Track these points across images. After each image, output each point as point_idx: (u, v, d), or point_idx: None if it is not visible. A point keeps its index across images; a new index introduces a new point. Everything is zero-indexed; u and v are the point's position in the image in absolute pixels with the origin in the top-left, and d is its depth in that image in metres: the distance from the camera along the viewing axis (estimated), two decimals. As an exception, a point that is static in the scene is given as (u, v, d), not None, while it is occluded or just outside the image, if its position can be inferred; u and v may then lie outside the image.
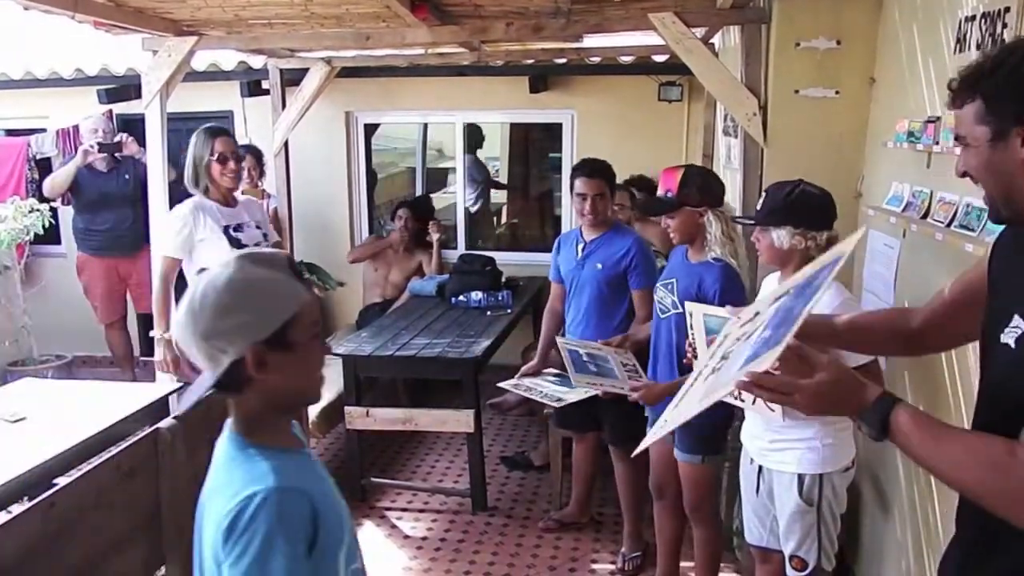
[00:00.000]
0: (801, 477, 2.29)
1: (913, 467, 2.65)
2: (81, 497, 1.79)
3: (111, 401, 2.92)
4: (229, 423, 1.28)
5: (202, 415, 2.41)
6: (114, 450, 1.97)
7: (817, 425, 2.26)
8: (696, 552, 3.05)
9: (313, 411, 3.94)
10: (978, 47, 2.21)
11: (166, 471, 2.12)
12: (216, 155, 3.35)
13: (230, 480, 1.20)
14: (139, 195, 4.72)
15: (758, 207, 2.36)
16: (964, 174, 1.34)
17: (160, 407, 3.01)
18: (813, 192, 2.32)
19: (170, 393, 3.16)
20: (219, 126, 3.43)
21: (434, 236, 5.47)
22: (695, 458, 2.83)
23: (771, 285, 2.48)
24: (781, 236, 2.27)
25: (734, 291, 2.69)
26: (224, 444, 1.27)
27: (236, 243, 3.35)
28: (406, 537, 3.75)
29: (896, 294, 2.85)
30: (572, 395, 3.31)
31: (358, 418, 3.92)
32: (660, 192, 2.78)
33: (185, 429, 2.21)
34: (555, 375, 3.53)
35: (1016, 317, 1.26)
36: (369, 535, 3.80)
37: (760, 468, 2.41)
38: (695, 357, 2.29)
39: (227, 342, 1.17)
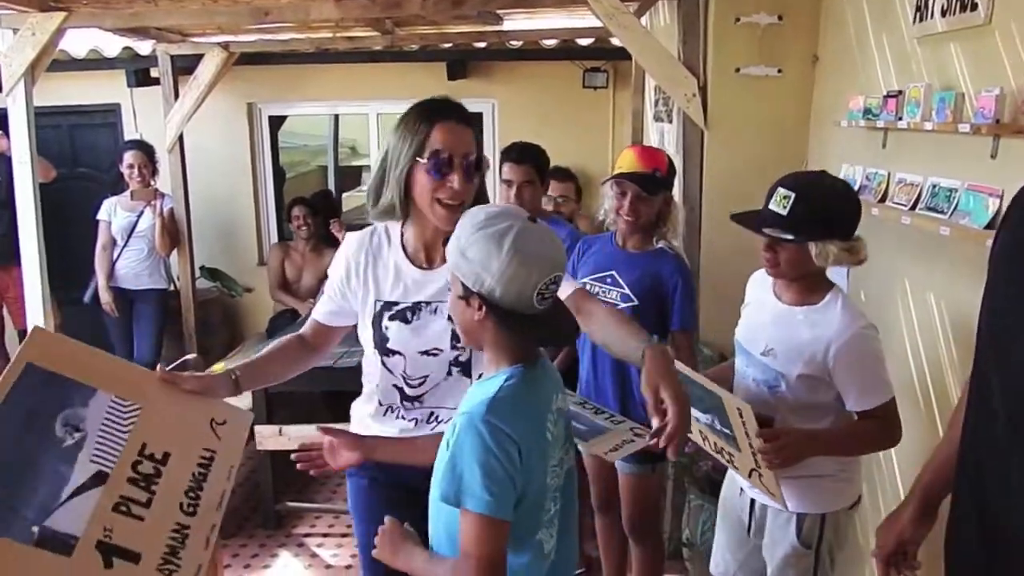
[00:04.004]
0: (800, 517, 1.94)
1: (878, 480, 2.51)
2: None
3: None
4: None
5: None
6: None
7: (823, 459, 1.91)
8: (638, 572, 2.79)
9: (218, 434, 3.53)
10: (943, 13, 2.04)
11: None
12: (429, 154, 1.65)
13: None
14: (12, 198, 4.20)
15: (782, 211, 1.79)
16: None
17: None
18: (845, 189, 1.87)
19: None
20: (447, 100, 1.73)
21: (339, 235, 5.13)
22: (645, 468, 2.59)
23: (761, 288, 2.07)
24: (827, 252, 1.77)
25: (691, 284, 2.51)
26: None
27: (381, 343, 1.81)
28: (328, 567, 3.45)
29: (850, 283, 2.70)
30: None
31: (270, 437, 3.57)
32: (645, 170, 2.43)
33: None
34: None
35: None
36: (288, 566, 3.48)
37: (752, 501, 2.06)
38: None
39: None
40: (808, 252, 1.78)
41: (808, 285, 1.88)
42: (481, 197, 1.78)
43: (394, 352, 1.80)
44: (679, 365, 2.00)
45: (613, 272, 2.53)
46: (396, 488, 1.84)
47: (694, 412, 2.04)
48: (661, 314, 2.49)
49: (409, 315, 1.78)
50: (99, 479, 1.47)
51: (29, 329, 3.45)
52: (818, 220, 1.77)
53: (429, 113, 1.68)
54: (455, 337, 1.75)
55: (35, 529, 1.36)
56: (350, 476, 1.96)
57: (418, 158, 1.66)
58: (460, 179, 1.65)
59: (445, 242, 1.65)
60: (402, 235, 1.81)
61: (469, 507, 1.31)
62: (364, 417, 1.93)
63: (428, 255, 1.80)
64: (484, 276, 1.34)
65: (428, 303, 1.78)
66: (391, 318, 1.79)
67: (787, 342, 1.89)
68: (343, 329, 1.95)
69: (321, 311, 1.93)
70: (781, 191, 1.81)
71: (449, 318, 1.74)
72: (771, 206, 1.82)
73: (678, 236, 2.56)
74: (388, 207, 1.72)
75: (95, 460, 1.49)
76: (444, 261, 1.69)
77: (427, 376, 1.79)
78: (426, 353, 1.79)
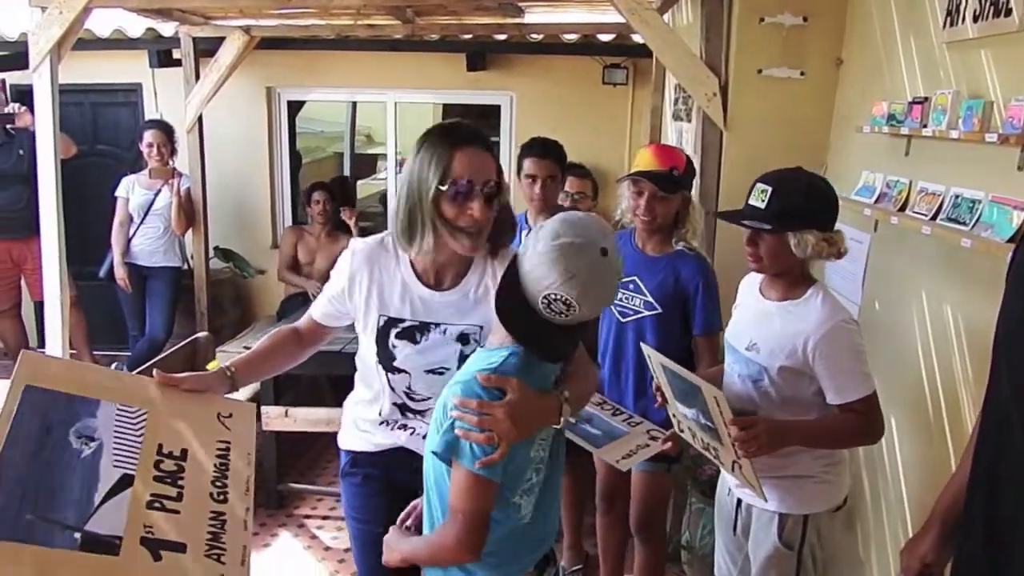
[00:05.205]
0: (782, 517, 1.95)
1: (882, 488, 2.48)
2: None
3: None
4: None
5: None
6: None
7: (807, 459, 1.94)
8: (639, 571, 2.77)
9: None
10: (975, 18, 2.01)
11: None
12: (451, 182, 1.64)
13: None
14: (34, 172, 4.25)
15: (760, 204, 1.86)
16: None
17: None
18: (823, 184, 1.94)
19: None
20: (466, 126, 1.73)
21: (350, 222, 5.14)
22: (660, 466, 2.56)
23: (749, 288, 2.12)
24: (806, 242, 1.84)
25: (713, 285, 2.46)
26: None
27: (387, 361, 1.79)
28: (327, 548, 3.48)
29: (864, 292, 2.67)
30: None
31: (276, 419, 3.61)
32: (662, 168, 2.40)
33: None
34: None
35: None
36: (287, 546, 3.51)
37: (739, 501, 2.08)
38: (666, 401, 2.10)
39: None
40: (787, 243, 1.85)
41: (791, 281, 1.94)
42: (503, 223, 1.75)
43: (400, 370, 1.80)
44: (663, 359, 1.99)
45: (635, 278, 2.50)
46: (385, 482, 1.91)
47: (681, 408, 2.02)
48: (685, 319, 2.46)
49: (417, 335, 1.77)
50: (126, 482, 1.49)
51: (45, 300, 3.53)
52: (795, 211, 1.83)
53: (449, 140, 1.64)
54: (462, 358, 1.73)
55: (77, 535, 1.37)
56: (344, 476, 1.98)
57: (439, 186, 1.62)
58: (480, 207, 1.64)
59: (459, 265, 1.75)
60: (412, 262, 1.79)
61: (461, 462, 1.41)
62: (362, 421, 1.93)
63: (438, 276, 1.77)
64: (526, 249, 1.46)
65: (437, 324, 1.77)
66: (398, 336, 1.77)
67: (769, 336, 1.94)
68: (338, 328, 1.96)
69: (319, 311, 1.93)
70: (759, 186, 1.90)
71: (458, 339, 1.76)
72: (751, 201, 1.90)
73: (698, 237, 2.51)
74: (414, 231, 1.67)
75: (117, 465, 1.51)
76: (455, 283, 1.77)
77: (433, 393, 1.73)
78: (433, 372, 1.79)
